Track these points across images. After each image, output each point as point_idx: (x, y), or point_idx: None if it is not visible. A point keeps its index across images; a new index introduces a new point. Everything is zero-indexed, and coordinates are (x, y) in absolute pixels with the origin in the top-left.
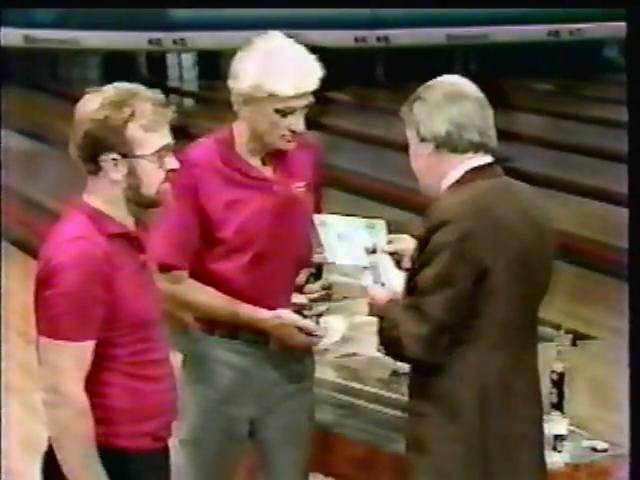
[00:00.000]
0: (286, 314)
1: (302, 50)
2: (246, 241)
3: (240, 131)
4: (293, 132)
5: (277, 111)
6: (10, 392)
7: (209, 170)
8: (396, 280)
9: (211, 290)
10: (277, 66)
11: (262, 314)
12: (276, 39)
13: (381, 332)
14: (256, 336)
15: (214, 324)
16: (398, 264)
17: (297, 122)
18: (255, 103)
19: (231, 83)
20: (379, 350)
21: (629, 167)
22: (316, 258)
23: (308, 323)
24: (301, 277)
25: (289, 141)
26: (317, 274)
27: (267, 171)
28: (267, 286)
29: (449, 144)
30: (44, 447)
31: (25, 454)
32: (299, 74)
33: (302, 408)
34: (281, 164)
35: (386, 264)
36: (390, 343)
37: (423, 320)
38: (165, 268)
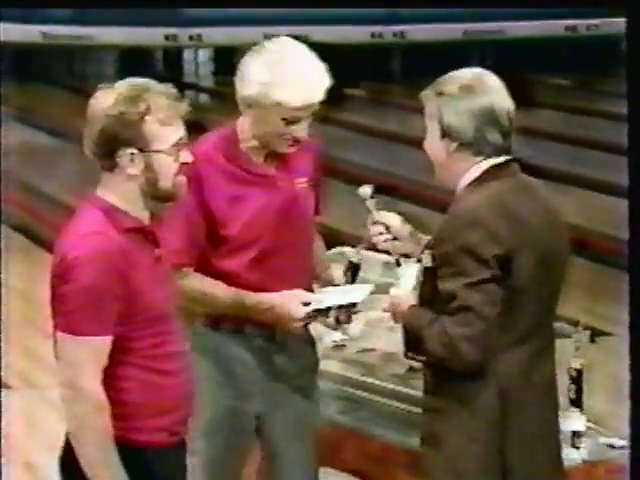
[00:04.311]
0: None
1: (312, 59)
2: (251, 238)
3: (244, 128)
4: (296, 139)
5: (282, 119)
6: (8, 377)
7: (213, 167)
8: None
9: (216, 282)
10: (286, 76)
11: (268, 295)
12: (286, 45)
13: (426, 343)
14: (261, 330)
15: (220, 319)
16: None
17: (301, 130)
18: (260, 109)
19: (237, 84)
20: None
21: (629, 160)
22: (353, 258)
23: (312, 295)
24: (337, 272)
25: (291, 146)
26: (355, 270)
27: (270, 168)
28: (272, 282)
29: (474, 148)
30: (49, 439)
31: (29, 447)
32: (307, 86)
33: (307, 402)
34: (283, 160)
35: (412, 271)
36: (443, 351)
37: (474, 320)
38: (175, 266)
